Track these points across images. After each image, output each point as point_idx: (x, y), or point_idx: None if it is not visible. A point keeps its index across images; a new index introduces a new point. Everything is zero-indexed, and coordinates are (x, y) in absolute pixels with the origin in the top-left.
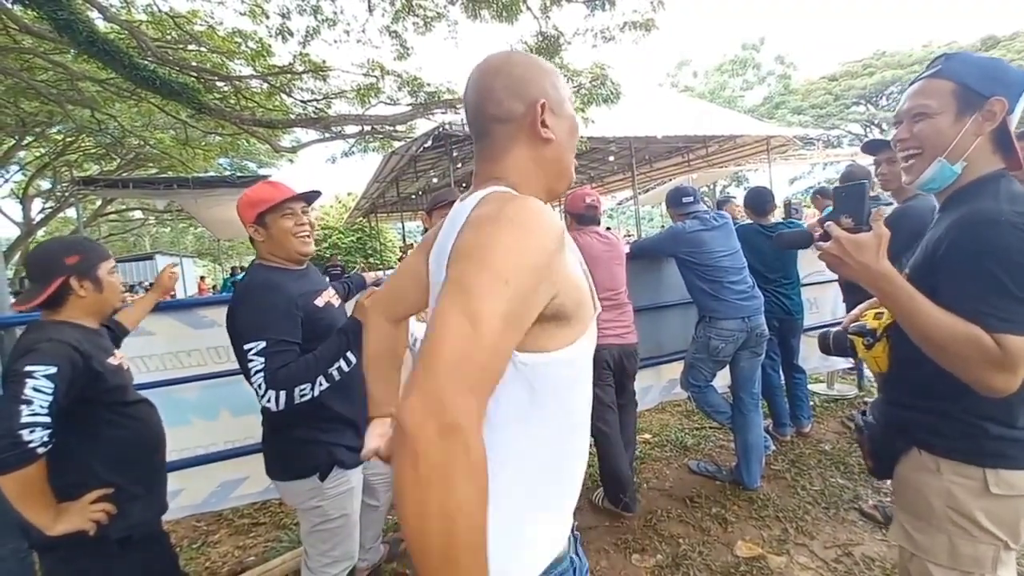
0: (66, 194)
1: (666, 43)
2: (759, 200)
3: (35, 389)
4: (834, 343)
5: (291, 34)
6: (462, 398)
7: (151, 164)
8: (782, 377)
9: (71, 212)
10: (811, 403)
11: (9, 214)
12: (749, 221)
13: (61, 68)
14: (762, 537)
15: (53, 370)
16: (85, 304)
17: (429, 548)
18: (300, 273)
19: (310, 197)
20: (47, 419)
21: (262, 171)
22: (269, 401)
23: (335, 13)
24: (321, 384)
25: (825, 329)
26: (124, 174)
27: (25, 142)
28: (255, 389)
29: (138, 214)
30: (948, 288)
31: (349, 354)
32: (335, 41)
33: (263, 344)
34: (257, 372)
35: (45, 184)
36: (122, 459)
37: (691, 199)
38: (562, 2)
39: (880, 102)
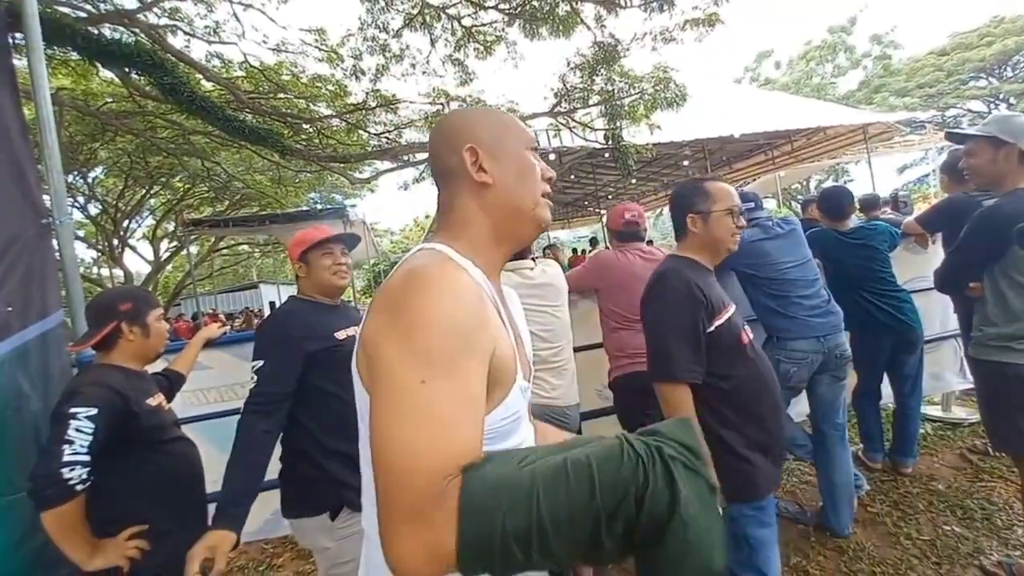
0: (180, 235)
1: (742, 37)
2: (834, 202)
3: (77, 430)
4: None
5: (363, 73)
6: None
7: (253, 203)
8: (883, 396)
9: (194, 248)
10: (922, 431)
11: (143, 254)
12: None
13: (176, 125)
14: None
15: (94, 411)
16: (132, 347)
17: None
18: (331, 307)
19: (347, 240)
20: (87, 457)
21: (348, 202)
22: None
23: (401, 49)
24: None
25: None
26: (232, 213)
27: (153, 191)
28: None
29: (245, 248)
30: None
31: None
32: (403, 75)
33: (260, 363)
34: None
35: (171, 226)
36: (157, 496)
37: (751, 205)
38: (617, 9)
39: (1005, 73)
